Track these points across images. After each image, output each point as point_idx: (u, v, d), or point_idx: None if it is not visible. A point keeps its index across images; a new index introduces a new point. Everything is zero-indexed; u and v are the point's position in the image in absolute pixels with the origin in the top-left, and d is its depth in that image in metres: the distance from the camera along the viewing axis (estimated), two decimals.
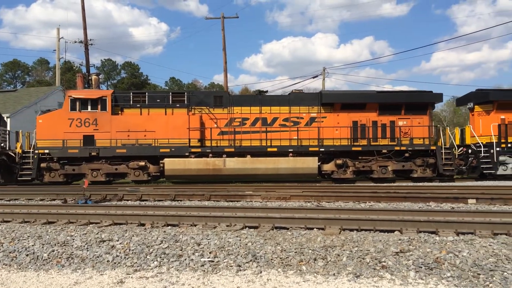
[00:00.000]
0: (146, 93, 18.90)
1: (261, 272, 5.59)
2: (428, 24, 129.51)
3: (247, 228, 7.66)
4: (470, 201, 10.82)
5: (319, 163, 18.05)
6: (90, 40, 30.44)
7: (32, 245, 6.82)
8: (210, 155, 17.79)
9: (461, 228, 6.91)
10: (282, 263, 5.84)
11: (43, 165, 17.54)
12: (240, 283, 5.24)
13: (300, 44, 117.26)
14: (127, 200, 12.59)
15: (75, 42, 32.09)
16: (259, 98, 18.93)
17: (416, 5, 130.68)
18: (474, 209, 9.54)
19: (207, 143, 18.17)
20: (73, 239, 7.05)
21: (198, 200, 12.29)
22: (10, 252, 6.61)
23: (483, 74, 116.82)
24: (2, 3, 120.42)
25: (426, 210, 8.92)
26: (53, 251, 6.58)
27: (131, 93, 18.69)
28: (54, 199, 12.98)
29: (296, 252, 6.12)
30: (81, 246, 6.74)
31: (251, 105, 18.51)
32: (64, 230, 7.71)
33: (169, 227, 7.99)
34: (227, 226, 7.81)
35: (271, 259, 5.94)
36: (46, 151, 17.52)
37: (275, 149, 18.18)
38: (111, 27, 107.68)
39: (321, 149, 18.36)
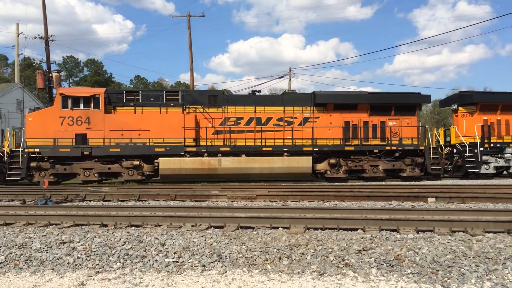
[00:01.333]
0: (140, 92, 18.48)
1: (226, 272, 5.58)
2: (391, 28, 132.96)
3: (212, 228, 7.63)
4: (430, 199, 11.17)
5: (312, 163, 18.21)
6: (51, 36, 29.50)
7: None
8: (206, 154, 17.66)
9: (421, 226, 7.12)
10: (247, 262, 5.85)
11: (33, 164, 16.95)
12: (205, 283, 5.21)
13: (267, 44, 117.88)
14: (90, 201, 12.28)
15: (35, 38, 30.98)
16: (253, 97, 18.93)
17: (380, 8, 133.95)
18: (433, 207, 9.85)
19: (202, 143, 18.03)
20: (32, 241, 6.82)
21: (164, 200, 12.13)
22: None
23: (443, 77, 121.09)
24: None
25: (388, 209, 9.15)
26: (11, 253, 6.34)
27: (124, 92, 18.31)
28: (12, 200, 12.49)
29: (261, 251, 6.14)
30: (40, 248, 6.53)
31: (246, 105, 18.50)
32: (22, 232, 7.45)
33: (133, 227, 7.85)
34: (192, 226, 7.75)
35: (236, 259, 5.94)
36: (36, 150, 16.94)
37: (270, 149, 18.27)
38: (74, 23, 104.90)
39: (315, 149, 18.55)
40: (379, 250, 6.00)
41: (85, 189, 14.40)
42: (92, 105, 17.18)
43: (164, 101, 18.06)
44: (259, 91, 20.06)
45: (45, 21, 28.44)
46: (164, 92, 18.71)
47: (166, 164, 17.19)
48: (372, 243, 6.34)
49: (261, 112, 18.62)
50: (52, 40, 29.75)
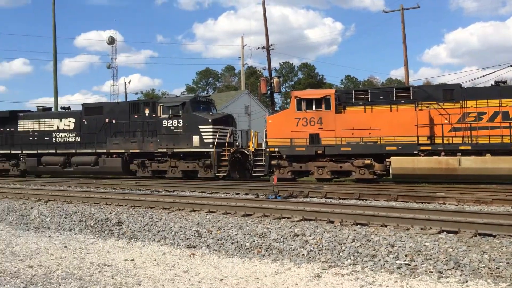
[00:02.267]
0: (369, 90, 18.80)
1: (467, 281, 5.12)
2: None
3: (444, 232, 7.11)
4: None
5: None
6: (271, 45, 32.32)
7: (236, 235, 7.54)
8: (442, 153, 16.77)
9: None
10: (492, 274, 5.25)
11: (273, 162, 18.57)
12: None
13: (491, 29, 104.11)
14: (313, 197, 12.96)
15: (258, 48, 34.37)
16: (498, 89, 17.09)
17: None
18: None
19: (438, 141, 16.92)
20: (270, 232, 7.54)
21: (384, 200, 11.92)
22: (218, 240, 7.43)
23: None
24: (194, 19, 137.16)
25: None
26: (254, 241, 7.15)
27: (353, 91, 18.83)
28: (247, 194, 14.15)
29: (508, 263, 5.44)
30: (277, 238, 7.17)
31: (488, 98, 16.56)
32: (260, 223, 8.32)
33: (358, 226, 7.92)
34: (421, 229, 7.37)
35: (478, 269, 5.39)
36: (276, 149, 18.56)
37: None
38: (288, 31, 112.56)
39: None
40: None
41: (307, 186, 15.28)
42: (323, 106, 17.84)
43: (394, 99, 17.51)
44: (505, 81, 17.63)
45: (266, 32, 31.35)
46: (394, 89, 18.14)
47: (398, 163, 16.67)
48: None
49: (509, 105, 16.35)
50: (273, 49, 32.54)
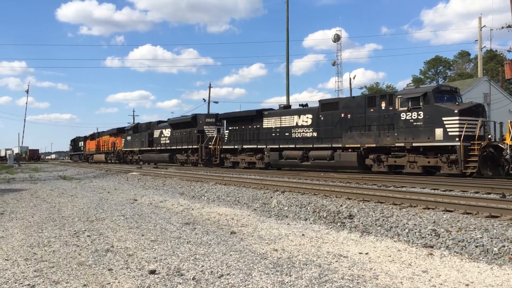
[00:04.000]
0: None
1: None
2: None
3: None
4: None
5: None
6: None
7: (480, 237, 6.75)
8: None
9: None
10: None
11: None
12: None
13: None
14: None
15: (502, 28, 30.01)
16: None
17: None
18: None
19: None
20: None
21: None
22: (459, 241, 6.79)
23: None
24: (422, 5, 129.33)
25: None
26: (503, 246, 6.28)
27: None
28: (489, 193, 12.53)
29: None
30: None
31: None
32: (511, 226, 7.23)
33: None
34: None
35: None
36: None
37: None
38: None
39: None
40: None
41: None
42: None
43: None
44: None
45: None
46: None
47: None
48: None
49: None
50: None
